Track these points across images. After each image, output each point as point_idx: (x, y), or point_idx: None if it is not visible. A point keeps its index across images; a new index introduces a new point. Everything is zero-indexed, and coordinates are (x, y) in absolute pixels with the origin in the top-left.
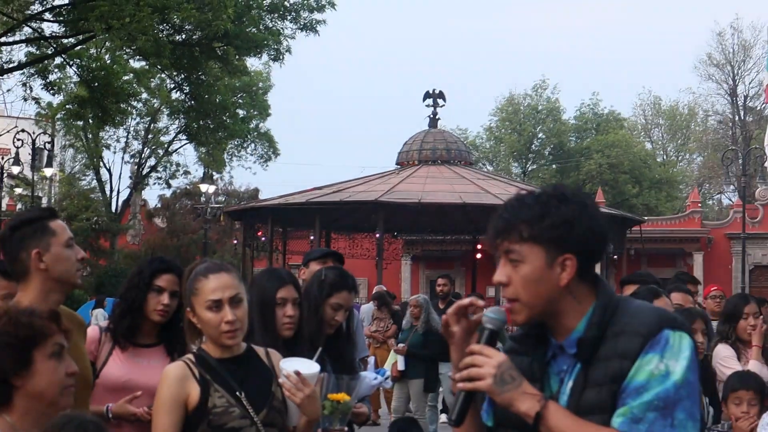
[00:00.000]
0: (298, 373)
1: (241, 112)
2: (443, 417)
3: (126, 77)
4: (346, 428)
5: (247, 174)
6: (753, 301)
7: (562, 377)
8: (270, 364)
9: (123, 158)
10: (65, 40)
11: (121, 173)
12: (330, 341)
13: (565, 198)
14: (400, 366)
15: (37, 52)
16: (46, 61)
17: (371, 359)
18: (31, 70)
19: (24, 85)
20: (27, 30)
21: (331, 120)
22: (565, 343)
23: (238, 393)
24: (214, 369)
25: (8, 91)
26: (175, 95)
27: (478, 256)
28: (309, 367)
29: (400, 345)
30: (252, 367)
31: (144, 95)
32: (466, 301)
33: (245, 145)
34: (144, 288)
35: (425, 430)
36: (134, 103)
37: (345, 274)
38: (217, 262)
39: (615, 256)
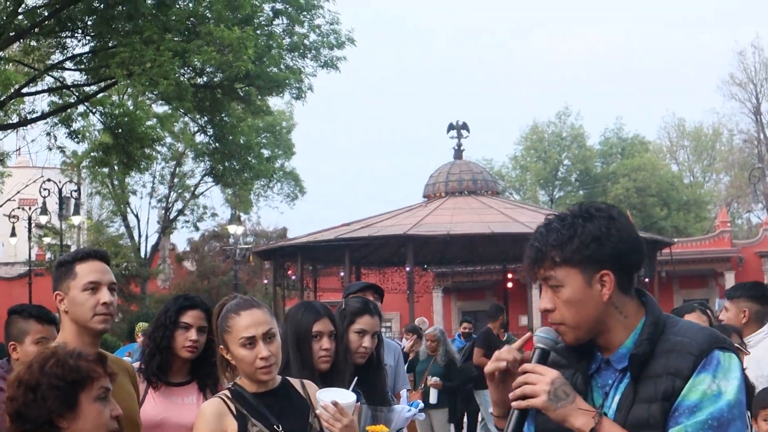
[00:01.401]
0: (335, 403)
1: (265, 152)
2: None
3: (149, 122)
4: None
5: (274, 213)
6: None
7: (607, 391)
8: (306, 395)
9: (150, 203)
10: (87, 88)
11: (148, 218)
12: (362, 372)
13: (590, 215)
14: (433, 399)
15: (60, 101)
16: (69, 110)
17: (404, 392)
18: (55, 120)
19: (48, 134)
20: (49, 79)
21: (356, 155)
22: (613, 357)
23: (275, 426)
24: (251, 403)
25: (33, 141)
26: (199, 138)
27: (509, 285)
28: (346, 396)
29: (435, 379)
30: (288, 400)
31: (168, 139)
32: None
33: (271, 184)
34: (171, 326)
35: None
36: (159, 148)
37: (366, 300)
38: (247, 297)
39: (646, 279)
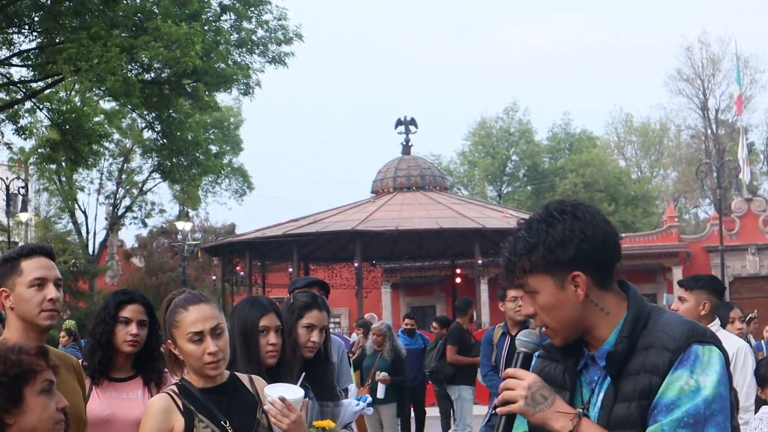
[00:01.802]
0: (283, 399)
1: (213, 148)
2: None
3: (97, 118)
4: None
5: (222, 209)
6: (736, 306)
7: (593, 387)
8: (254, 391)
9: (98, 200)
10: (34, 84)
11: (96, 215)
12: (310, 366)
13: (553, 218)
14: (380, 395)
15: (7, 98)
16: (16, 106)
17: (352, 387)
18: (2, 116)
19: None
20: None
21: (304, 151)
22: (597, 354)
23: (223, 422)
24: (198, 399)
25: None
26: (146, 134)
27: (458, 280)
28: (294, 392)
29: (383, 374)
30: (236, 396)
31: (116, 136)
32: None
33: (219, 180)
34: (111, 321)
35: None
36: (106, 144)
37: (314, 295)
38: (195, 292)
39: (627, 282)
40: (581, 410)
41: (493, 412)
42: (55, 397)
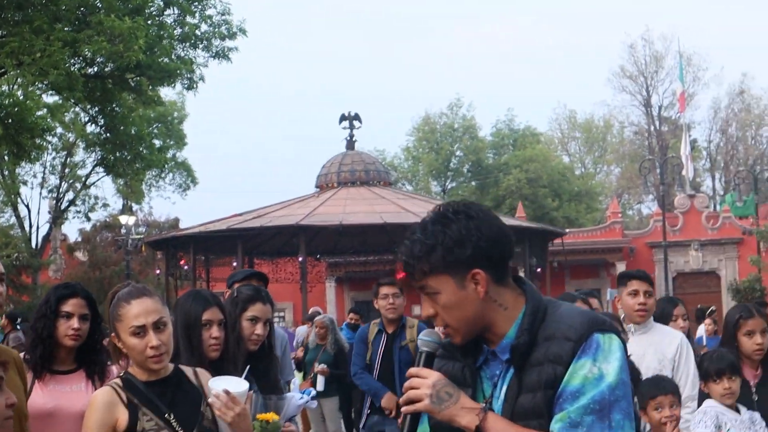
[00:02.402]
0: (227, 392)
1: (157, 143)
2: None
3: (40, 112)
4: None
5: (166, 204)
6: (680, 303)
7: (495, 382)
8: (198, 383)
9: (41, 193)
10: None
11: (39, 208)
12: (254, 359)
13: (448, 219)
14: (320, 387)
15: None
16: None
17: (295, 380)
18: None
19: None
20: None
21: (248, 146)
22: (498, 349)
23: (167, 415)
24: (142, 392)
25: None
26: (90, 128)
27: (402, 275)
28: (238, 385)
29: (322, 366)
30: (180, 389)
31: (59, 129)
32: None
33: (163, 175)
34: (52, 315)
35: None
36: (49, 138)
37: (258, 288)
38: (139, 286)
39: (538, 269)
40: (485, 405)
41: (369, 412)
42: (5, 394)
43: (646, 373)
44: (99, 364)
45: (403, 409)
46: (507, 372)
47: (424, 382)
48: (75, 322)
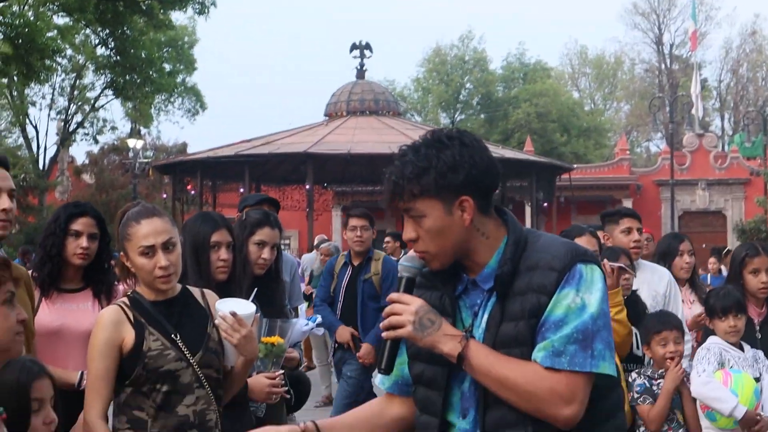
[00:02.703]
0: (234, 314)
1: (167, 67)
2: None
3: (50, 33)
4: (281, 371)
5: (174, 128)
6: (686, 239)
7: (476, 311)
8: (206, 305)
9: (49, 115)
10: None
11: (47, 130)
12: (260, 283)
13: (442, 144)
14: None
15: None
16: None
17: (302, 306)
18: None
19: None
20: None
21: (258, 73)
22: (479, 278)
23: (173, 335)
24: (149, 312)
25: None
26: (100, 51)
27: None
28: (245, 307)
29: None
30: (187, 309)
31: (69, 51)
32: None
33: (172, 99)
34: (61, 233)
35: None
36: (59, 60)
37: (266, 213)
38: (148, 205)
39: (545, 204)
40: (466, 333)
41: (336, 345)
42: (16, 309)
43: None
44: (106, 284)
45: (384, 334)
46: (488, 301)
47: (406, 308)
48: (84, 241)
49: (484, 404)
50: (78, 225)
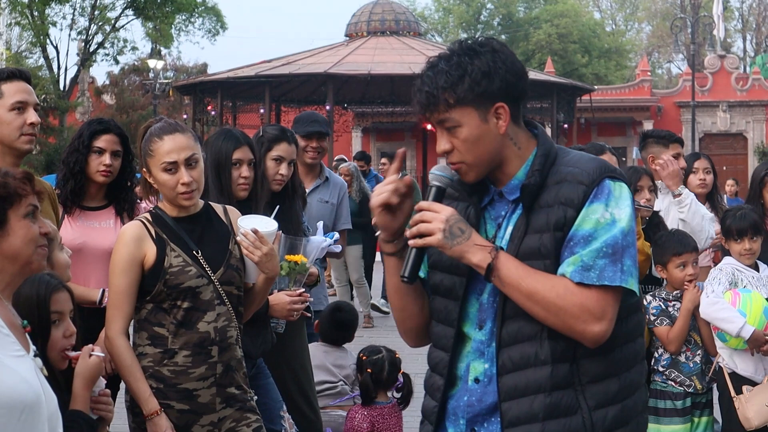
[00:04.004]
0: (256, 231)
1: None
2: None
3: None
4: (303, 290)
5: (195, 49)
6: (703, 156)
7: (500, 222)
8: (228, 221)
9: (70, 35)
10: None
11: (68, 50)
12: (277, 200)
13: (474, 51)
14: None
15: None
16: None
17: (320, 223)
18: None
19: None
20: None
21: None
22: (505, 189)
23: (194, 252)
24: (171, 228)
25: None
26: None
27: (429, 127)
28: (267, 224)
29: None
30: (209, 226)
31: None
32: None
33: (192, 19)
34: (84, 150)
35: (366, 296)
36: None
37: (283, 128)
38: (171, 121)
39: (565, 125)
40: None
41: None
42: (39, 222)
43: None
44: (129, 201)
45: (412, 242)
46: (513, 213)
47: (436, 216)
48: (107, 158)
49: (502, 316)
50: (101, 142)
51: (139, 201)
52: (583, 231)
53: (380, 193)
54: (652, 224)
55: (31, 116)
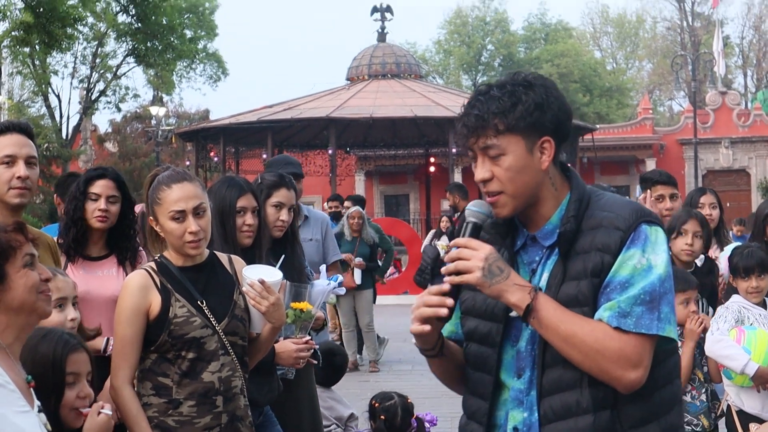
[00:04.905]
0: (262, 282)
1: (188, 33)
2: None
3: (71, 2)
4: (309, 337)
5: (197, 95)
6: (709, 191)
7: (534, 268)
8: (233, 271)
9: (71, 84)
10: None
11: (70, 99)
12: (278, 246)
13: (529, 84)
14: (358, 280)
15: None
16: None
17: (323, 267)
18: None
19: None
20: None
21: (279, 37)
22: (539, 234)
23: (199, 302)
24: (176, 278)
25: None
26: (121, 18)
27: (431, 169)
28: (272, 274)
29: (359, 259)
30: (214, 275)
31: (90, 19)
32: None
33: (194, 65)
34: (81, 197)
35: (375, 341)
36: (80, 28)
37: (282, 175)
38: (179, 170)
39: (568, 165)
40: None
41: None
42: (38, 269)
43: None
44: (130, 250)
45: (448, 279)
46: (548, 258)
47: (475, 254)
48: (102, 203)
49: (542, 364)
50: (96, 188)
51: (140, 248)
52: (620, 277)
53: (425, 306)
54: (702, 272)
55: (20, 170)
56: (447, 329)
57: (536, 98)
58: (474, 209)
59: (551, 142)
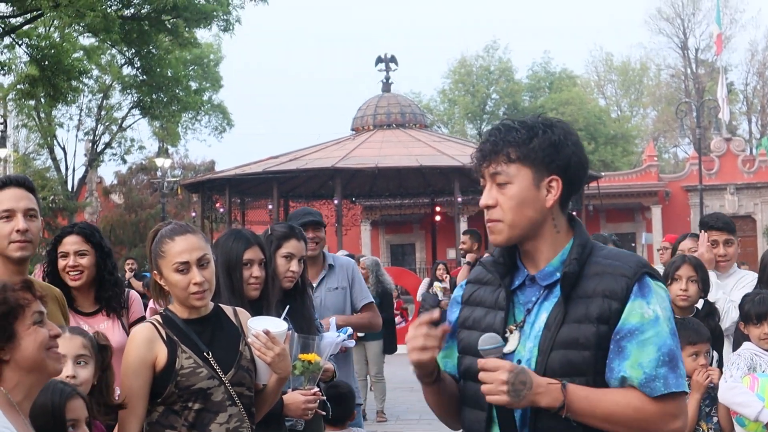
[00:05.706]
0: (267, 332)
1: (193, 85)
2: None
3: (76, 54)
4: (317, 388)
5: (202, 146)
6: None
7: (529, 308)
8: (238, 322)
9: (77, 136)
10: (13, 20)
11: (75, 151)
12: (288, 297)
13: (550, 124)
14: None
15: None
16: None
17: (332, 319)
18: None
19: None
20: None
21: (284, 88)
22: (539, 275)
23: (205, 353)
24: (182, 330)
25: None
26: (126, 70)
27: (437, 218)
28: (277, 325)
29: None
30: (220, 327)
31: (95, 72)
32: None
33: (199, 117)
34: (54, 257)
35: (383, 391)
36: (85, 80)
37: (291, 226)
38: (182, 223)
39: (573, 213)
40: (562, 384)
41: None
42: (47, 326)
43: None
44: (115, 298)
45: (487, 398)
46: (545, 299)
47: (496, 378)
48: (71, 260)
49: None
50: (63, 246)
51: (125, 293)
52: (629, 325)
53: (415, 338)
54: (701, 316)
55: (19, 223)
56: (443, 363)
57: (553, 137)
58: (486, 347)
59: (559, 182)
